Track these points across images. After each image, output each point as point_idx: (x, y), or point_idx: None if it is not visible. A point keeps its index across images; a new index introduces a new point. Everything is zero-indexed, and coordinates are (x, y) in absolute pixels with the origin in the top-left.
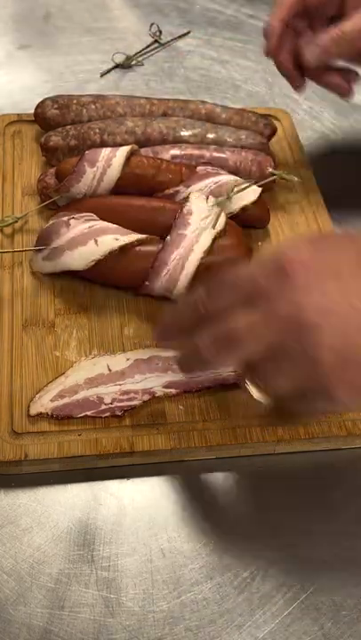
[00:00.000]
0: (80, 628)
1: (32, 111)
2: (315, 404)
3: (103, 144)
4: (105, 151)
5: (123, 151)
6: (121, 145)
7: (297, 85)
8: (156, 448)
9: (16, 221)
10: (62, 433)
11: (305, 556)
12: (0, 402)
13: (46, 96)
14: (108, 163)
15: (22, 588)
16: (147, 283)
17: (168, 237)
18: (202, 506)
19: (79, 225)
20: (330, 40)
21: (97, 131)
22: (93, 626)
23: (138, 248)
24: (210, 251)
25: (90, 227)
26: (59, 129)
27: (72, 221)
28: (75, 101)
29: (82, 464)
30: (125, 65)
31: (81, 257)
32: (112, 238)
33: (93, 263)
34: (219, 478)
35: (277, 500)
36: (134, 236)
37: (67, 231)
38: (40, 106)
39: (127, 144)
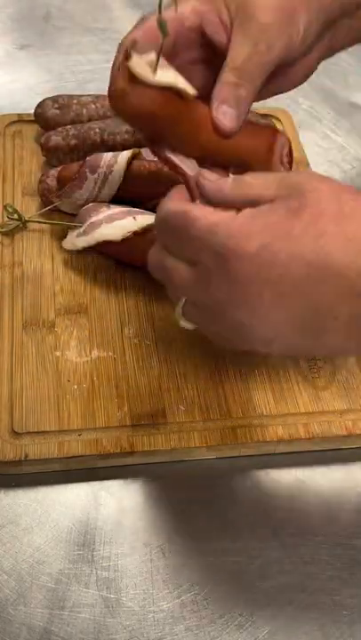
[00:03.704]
0: (80, 628)
1: (32, 111)
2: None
3: (103, 144)
4: (106, 157)
5: (124, 157)
6: (121, 144)
7: None
8: (156, 448)
9: (20, 222)
10: (62, 433)
11: (305, 556)
12: (0, 402)
13: (46, 96)
14: (110, 169)
15: (22, 588)
16: None
17: None
18: (202, 506)
19: (119, 208)
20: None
21: (97, 131)
22: (93, 626)
23: None
24: None
25: (129, 210)
26: (59, 129)
27: (112, 205)
28: (75, 101)
29: (82, 464)
30: None
31: (118, 228)
32: (150, 217)
33: (130, 234)
34: (219, 478)
35: (278, 499)
36: None
37: (107, 210)
38: (40, 106)
39: (127, 144)
